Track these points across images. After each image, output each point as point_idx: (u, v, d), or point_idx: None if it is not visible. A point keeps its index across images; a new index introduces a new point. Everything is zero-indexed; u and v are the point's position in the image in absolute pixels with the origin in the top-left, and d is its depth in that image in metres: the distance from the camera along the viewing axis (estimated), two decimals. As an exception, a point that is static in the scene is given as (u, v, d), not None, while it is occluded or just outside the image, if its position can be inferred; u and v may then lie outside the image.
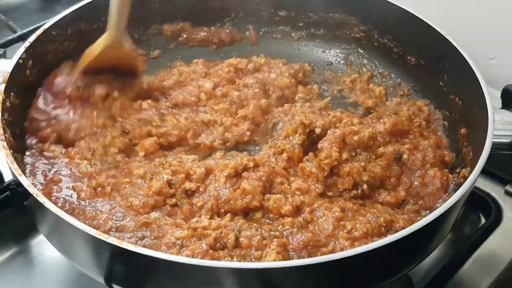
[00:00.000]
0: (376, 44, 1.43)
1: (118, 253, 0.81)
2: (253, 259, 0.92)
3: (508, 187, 1.30)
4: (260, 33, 1.54)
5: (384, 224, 0.99)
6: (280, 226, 1.00)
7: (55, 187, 1.05)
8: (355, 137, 1.13)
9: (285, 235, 0.97)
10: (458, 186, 1.07)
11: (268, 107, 1.32)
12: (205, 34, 1.51)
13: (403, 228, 0.95)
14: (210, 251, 0.91)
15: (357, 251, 0.79)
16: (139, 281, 0.86)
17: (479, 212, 1.28)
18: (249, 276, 0.79)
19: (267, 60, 1.45)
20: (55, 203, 0.99)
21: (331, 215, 1.00)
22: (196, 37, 1.51)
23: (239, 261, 0.91)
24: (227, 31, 1.52)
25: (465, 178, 0.94)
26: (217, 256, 0.91)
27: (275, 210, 1.03)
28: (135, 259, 0.79)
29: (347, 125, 1.18)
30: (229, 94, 1.33)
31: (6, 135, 0.99)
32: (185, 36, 1.50)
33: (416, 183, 1.11)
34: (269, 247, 0.93)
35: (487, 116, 1.01)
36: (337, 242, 0.95)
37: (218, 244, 0.94)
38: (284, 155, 1.15)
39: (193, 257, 0.90)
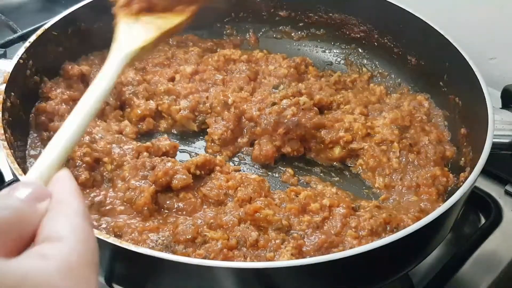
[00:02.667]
0: (376, 44, 1.43)
1: (118, 253, 0.81)
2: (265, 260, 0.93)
3: (508, 187, 1.30)
4: (260, 33, 1.54)
5: (386, 222, 1.00)
6: (299, 226, 1.00)
7: None
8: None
9: (302, 235, 0.98)
10: (458, 186, 1.08)
11: (253, 90, 1.33)
12: (209, 44, 1.50)
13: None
14: (225, 250, 0.92)
15: (356, 252, 0.79)
16: (140, 281, 0.86)
17: (479, 212, 1.28)
18: (249, 276, 0.80)
19: (264, 54, 1.45)
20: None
21: (337, 213, 1.01)
22: (201, 45, 1.50)
23: (252, 261, 0.92)
24: (228, 41, 1.52)
25: (465, 178, 0.94)
26: (231, 255, 0.92)
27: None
28: (135, 259, 0.80)
29: (347, 111, 1.25)
30: (209, 78, 1.34)
31: (6, 135, 0.99)
32: (190, 44, 1.49)
33: (416, 181, 1.12)
34: (285, 247, 0.93)
35: (487, 116, 1.01)
36: (346, 242, 0.96)
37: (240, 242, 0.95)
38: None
39: (207, 255, 0.92)
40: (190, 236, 0.95)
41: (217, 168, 1.13)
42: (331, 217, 1.01)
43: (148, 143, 1.15)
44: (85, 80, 1.26)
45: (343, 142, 1.20)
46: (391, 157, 1.17)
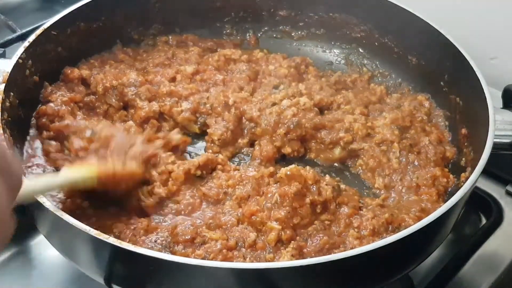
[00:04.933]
0: (376, 44, 1.43)
1: (118, 253, 0.81)
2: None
3: (509, 187, 1.30)
4: (260, 33, 1.54)
5: (388, 221, 0.99)
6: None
7: None
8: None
9: (305, 238, 0.97)
10: (459, 186, 1.07)
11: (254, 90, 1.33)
12: (210, 44, 1.50)
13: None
14: (224, 250, 0.92)
15: (357, 252, 0.78)
16: (139, 281, 0.86)
17: (480, 212, 1.28)
18: (249, 276, 0.79)
19: (264, 54, 1.45)
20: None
21: (342, 212, 1.01)
22: (201, 44, 1.50)
23: (252, 262, 0.92)
24: (228, 41, 1.52)
25: (466, 178, 0.94)
26: (230, 256, 0.92)
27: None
28: (135, 259, 0.79)
29: (348, 112, 1.24)
30: (210, 78, 1.33)
31: (5, 135, 0.99)
32: (190, 44, 1.49)
33: (416, 182, 1.12)
34: (284, 248, 0.93)
35: (488, 116, 1.01)
36: (347, 242, 0.95)
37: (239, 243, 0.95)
38: None
39: (206, 255, 0.92)
40: (189, 237, 0.94)
41: (219, 167, 1.13)
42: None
43: (160, 134, 1.16)
44: (85, 83, 1.26)
45: (343, 143, 1.20)
46: (391, 157, 1.17)
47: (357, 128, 1.20)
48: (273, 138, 1.19)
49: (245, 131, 1.24)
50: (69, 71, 1.24)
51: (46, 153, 1.09)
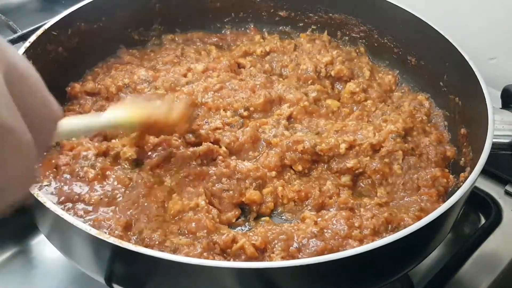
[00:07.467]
0: (376, 44, 1.43)
1: (118, 253, 0.81)
2: None
3: (508, 187, 1.30)
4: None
5: (388, 221, 0.99)
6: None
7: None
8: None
9: (299, 245, 0.95)
10: (458, 186, 1.07)
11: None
12: (215, 39, 1.50)
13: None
14: (205, 253, 0.92)
15: (356, 252, 0.78)
16: (140, 281, 0.86)
17: (479, 212, 1.28)
18: (250, 276, 0.80)
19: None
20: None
21: (340, 215, 1.00)
22: (207, 40, 1.50)
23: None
24: (232, 34, 1.52)
25: (465, 178, 0.94)
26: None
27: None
28: (136, 259, 0.79)
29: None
30: (224, 83, 1.30)
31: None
32: (197, 40, 1.48)
33: (416, 183, 1.12)
34: (273, 252, 0.93)
35: (487, 116, 1.01)
36: (345, 243, 0.95)
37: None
38: None
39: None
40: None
41: (220, 157, 1.11)
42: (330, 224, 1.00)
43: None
44: (90, 94, 1.26)
45: (352, 173, 1.13)
46: (393, 165, 1.12)
47: (365, 148, 1.13)
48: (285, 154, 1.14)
49: (260, 149, 1.18)
50: (72, 87, 1.25)
51: None
